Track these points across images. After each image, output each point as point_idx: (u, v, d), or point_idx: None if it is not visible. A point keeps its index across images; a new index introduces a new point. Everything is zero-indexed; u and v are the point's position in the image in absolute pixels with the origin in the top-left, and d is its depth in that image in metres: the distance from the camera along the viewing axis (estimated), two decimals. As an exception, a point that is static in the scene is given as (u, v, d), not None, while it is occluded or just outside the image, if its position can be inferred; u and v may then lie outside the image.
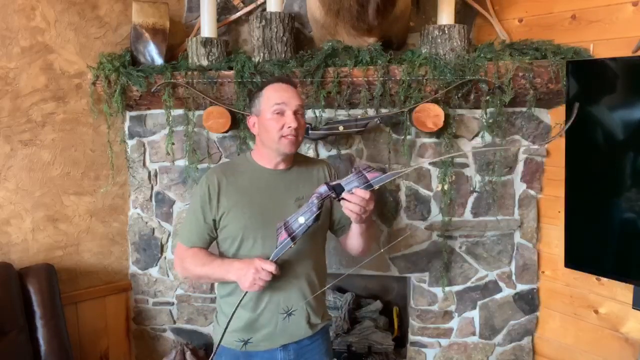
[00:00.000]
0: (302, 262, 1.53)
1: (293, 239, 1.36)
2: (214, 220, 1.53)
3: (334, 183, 1.36)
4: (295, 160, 1.60)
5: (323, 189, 1.35)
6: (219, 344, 1.50)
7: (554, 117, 2.10)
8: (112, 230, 2.37)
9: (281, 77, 1.65)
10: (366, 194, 1.32)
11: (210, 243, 1.59)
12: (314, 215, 1.35)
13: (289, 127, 1.45)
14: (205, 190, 1.51)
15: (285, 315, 1.52)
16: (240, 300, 1.43)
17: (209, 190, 1.51)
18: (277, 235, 1.38)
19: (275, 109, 1.46)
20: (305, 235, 1.49)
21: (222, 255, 1.58)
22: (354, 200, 1.33)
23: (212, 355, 1.44)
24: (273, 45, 2.07)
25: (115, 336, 2.41)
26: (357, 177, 1.35)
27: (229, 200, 1.51)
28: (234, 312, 1.43)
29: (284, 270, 1.50)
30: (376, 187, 1.34)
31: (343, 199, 1.35)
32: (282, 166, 1.56)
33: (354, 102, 2.08)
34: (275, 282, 1.48)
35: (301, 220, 1.35)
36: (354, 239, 1.53)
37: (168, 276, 2.38)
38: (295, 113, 1.47)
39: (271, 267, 1.37)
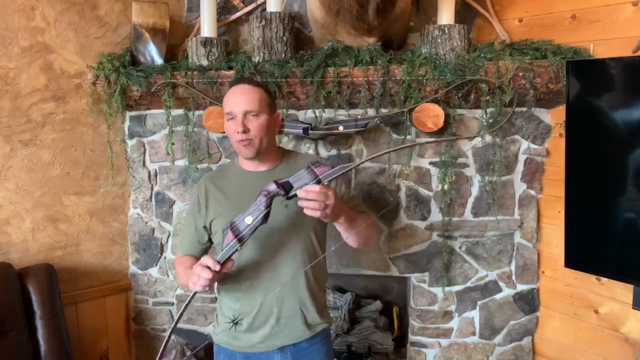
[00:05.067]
0: (296, 262, 1.50)
1: (240, 240, 1.31)
2: (205, 227, 1.55)
3: (282, 180, 1.32)
4: (283, 158, 1.58)
5: (272, 187, 1.31)
6: (169, 336, 1.41)
7: (554, 117, 2.10)
8: (112, 230, 2.37)
9: (236, 80, 1.64)
10: (314, 188, 1.28)
11: (202, 251, 1.60)
12: (262, 214, 1.30)
13: (237, 132, 1.44)
14: (195, 198, 1.57)
15: (232, 324, 1.49)
16: (190, 299, 1.35)
17: (198, 199, 1.55)
18: (224, 237, 1.33)
19: (227, 117, 1.48)
20: (297, 234, 1.48)
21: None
22: (307, 197, 1.28)
23: (162, 348, 1.35)
24: (273, 45, 2.07)
25: (115, 336, 2.41)
26: (306, 173, 1.32)
27: (217, 206, 1.52)
28: (185, 308, 1.36)
29: (278, 272, 1.48)
30: (325, 182, 1.30)
31: (294, 197, 1.31)
32: (263, 167, 1.54)
33: (354, 102, 2.08)
34: (268, 282, 1.48)
35: (248, 220, 1.31)
36: (344, 235, 1.48)
37: (168, 276, 2.38)
38: (245, 116, 1.44)
39: (209, 262, 1.29)
